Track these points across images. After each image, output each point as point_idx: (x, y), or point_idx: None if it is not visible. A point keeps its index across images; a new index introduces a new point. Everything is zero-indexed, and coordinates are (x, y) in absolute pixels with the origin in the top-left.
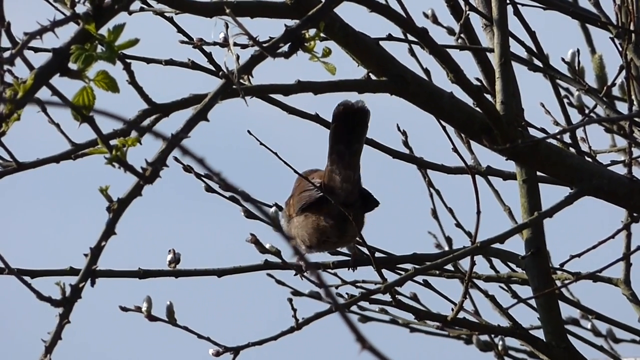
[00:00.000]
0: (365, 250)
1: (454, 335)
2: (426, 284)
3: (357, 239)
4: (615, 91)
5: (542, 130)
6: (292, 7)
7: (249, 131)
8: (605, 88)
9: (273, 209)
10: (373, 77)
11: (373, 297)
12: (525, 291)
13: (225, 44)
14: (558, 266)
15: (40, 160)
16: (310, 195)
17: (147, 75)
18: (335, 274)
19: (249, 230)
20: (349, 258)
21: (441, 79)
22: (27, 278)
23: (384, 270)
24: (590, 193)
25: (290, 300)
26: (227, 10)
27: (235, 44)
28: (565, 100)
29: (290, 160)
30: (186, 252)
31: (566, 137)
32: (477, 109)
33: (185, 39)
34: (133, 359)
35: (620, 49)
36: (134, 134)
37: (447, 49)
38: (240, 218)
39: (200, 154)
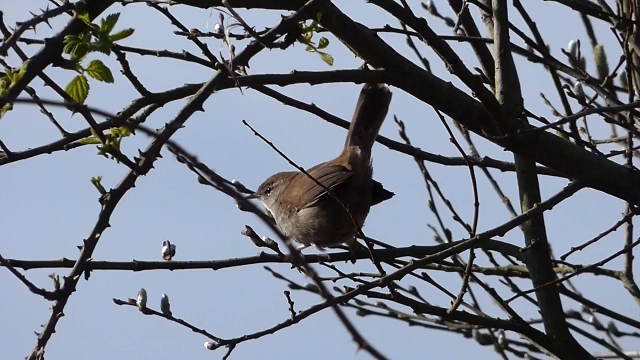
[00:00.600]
0: (363, 243)
1: (453, 329)
2: (425, 277)
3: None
4: (617, 82)
5: (542, 120)
6: None
7: (244, 121)
8: (606, 79)
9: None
10: (371, 67)
11: (372, 290)
12: (525, 284)
13: (220, 35)
14: (559, 259)
15: (32, 150)
16: (340, 175)
17: (142, 67)
18: (333, 267)
19: (245, 223)
20: (347, 251)
21: (440, 69)
22: (20, 270)
23: (382, 263)
24: (591, 184)
25: (287, 293)
26: (223, 1)
27: (230, 35)
28: (566, 91)
29: (286, 152)
30: (181, 245)
31: (566, 127)
32: (476, 99)
33: (180, 30)
34: (128, 352)
35: (622, 40)
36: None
37: (446, 40)
38: (235, 210)
39: (195, 145)
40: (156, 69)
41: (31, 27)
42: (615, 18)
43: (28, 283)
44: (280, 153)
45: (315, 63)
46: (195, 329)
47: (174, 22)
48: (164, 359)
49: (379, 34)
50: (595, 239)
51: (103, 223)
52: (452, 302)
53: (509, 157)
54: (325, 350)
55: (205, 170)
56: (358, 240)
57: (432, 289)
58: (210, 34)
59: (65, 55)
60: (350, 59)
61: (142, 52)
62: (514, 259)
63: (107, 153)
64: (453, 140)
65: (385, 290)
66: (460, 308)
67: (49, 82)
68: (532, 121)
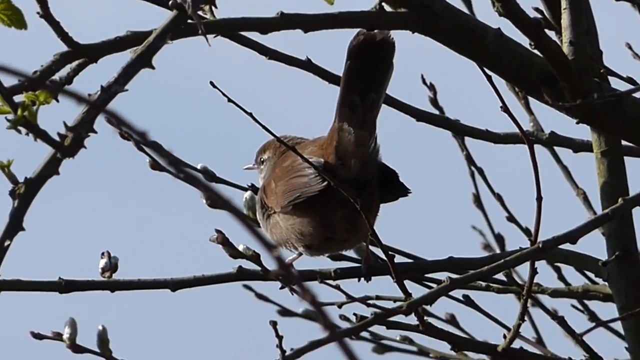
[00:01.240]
0: (380, 253)
1: None
2: (468, 301)
3: (369, 236)
4: None
5: (629, 80)
6: None
7: (212, 83)
8: None
9: (247, 194)
10: (387, 7)
11: (392, 319)
12: (607, 310)
13: None
14: None
15: None
16: (307, 184)
17: (68, 8)
18: (338, 287)
19: (215, 225)
20: (359, 264)
21: (485, 10)
22: None
23: (407, 282)
24: None
25: (273, 323)
26: None
27: None
28: None
29: (273, 124)
30: (126, 257)
31: None
32: (536, 51)
33: None
34: None
35: None
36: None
37: None
38: (202, 207)
39: (144, 116)
40: (88, 12)
41: None
42: None
43: None
44: (264, 127)
45: (311, 2)
46: None
47: None
48: None
49: None
50: None
51: (15, 225)
52: (505, 336)
53: (584, 132)
54: None
55: (160, 151)
56: (372, 249)
57: (477, 317)
58: None
59: None
60: None
61: None
62: (591, 275)
63: (19, 127)
64: (505, 109)
65: (412, 320)
66: (517, 343)
67: None
68: (614, 82)
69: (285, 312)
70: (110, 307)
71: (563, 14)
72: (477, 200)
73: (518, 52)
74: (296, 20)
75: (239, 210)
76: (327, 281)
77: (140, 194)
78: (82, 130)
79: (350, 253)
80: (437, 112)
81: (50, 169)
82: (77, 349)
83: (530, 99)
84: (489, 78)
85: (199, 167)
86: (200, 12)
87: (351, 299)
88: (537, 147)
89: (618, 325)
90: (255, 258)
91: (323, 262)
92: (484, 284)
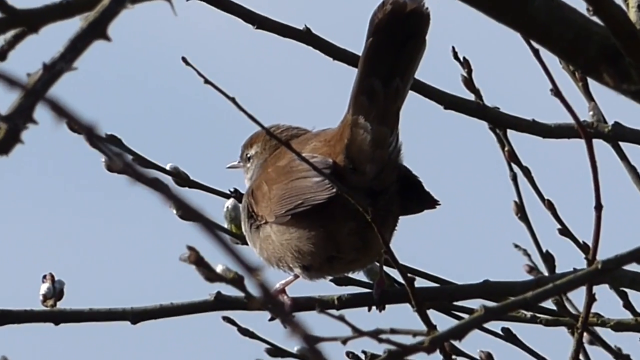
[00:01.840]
0: (397, 275)
1: None
2: (508, 336)
3: (384, 254)
4: None
5: None
6: None
7: (184, 59)
8: None
9: (230, 202)
10: None
11: (411, 358)
12: None
13: None
14: None
15: None
16: (312, 189)
17: None
18: (342, 319)
19: (187, 241)
20: (370, 290)
21: None
22: None
23: (430, 311)
24: None
25: None
26: None
27: None
28: None
29: (262, 112)
30: (74, 280)
31: None
32: (595, 18)
33: None
34: None
35: None
36: None
37: None
38: (172, 219)
39: (97, 103)
40: None
41: None
42: None
43: None
44: (249, 115)
45: None
46: None
47: None
48: None
49: None
50: None
51: None
52: None
53: None
54: None
55: (118, 147)
56: (387, 271)
57: (520, 355)
58: None
59: None
60: None
61: None
62: None
63: None
64: (557, 93)
65: (436, 358)
66: None
67: None
68: None
69: (276, 350)
70: (54, 343)
71: None
72: (521, 210)
73: (573, 20)
74: None
75: (210, 220)
76: (329, 311)
77: (93, 201)
78: (19, 120)
79: (360, 275)
80: (471, 96)
81: None
82: None
83: (591, 80)
84: (536, 53)
85: (167, 167)
86: None
87: (359, 332)
88: (597, 142)
89: None
90: (237, 282)
91: (325, 287)
92: (528, 314)
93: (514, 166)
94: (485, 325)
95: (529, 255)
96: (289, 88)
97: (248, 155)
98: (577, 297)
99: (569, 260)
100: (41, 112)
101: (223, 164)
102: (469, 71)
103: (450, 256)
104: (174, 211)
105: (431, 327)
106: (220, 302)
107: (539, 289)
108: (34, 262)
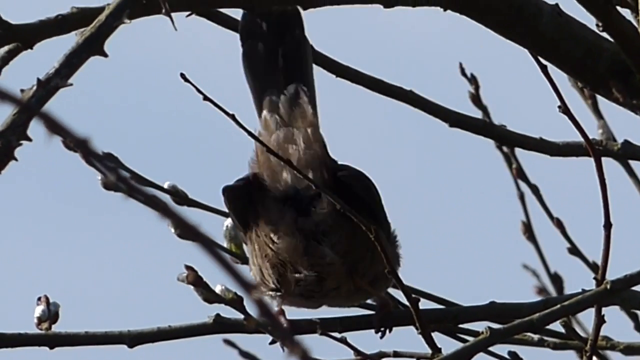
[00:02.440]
0: (401, 295)
1: None
2: (514, 359)
3: (388, 275)
4: None
5: None
6: None
7: (183, 76)
8: None
9: (229, 221)
10: None
11: None
12: None
13: None
14: None
15: None
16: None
17: None
18: (344, 341)
19: (186, 260)
20: (372, 311)
21: None
22: None
23: (435, 334)
24: None
25: None
26: None
27: None
28: None
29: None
30: (69, 302)
31: None
32: (605, 34)
33: None
34: None
35: None
36: None
37: None
38: (170, 238)
39: (94, 119)
40: None
41: None
42: None
43: None
44: (249, 133)
45: None
46: None
47: None
48: None
49: None
50: None
51: None
52: None
53: None
54: None
55: (114, 165)
56: (391, 292)
57: None
58: None
59: None
60: None
61: None
62: None
63: None
64: (565, 110)
65: None
66: None
67: None
68: None
69: None
70: None
71: None
72: (528, 229)
73: (582, 36)
74: None
75: (209, 239)
76: (332, 333)
77: (89, 219)
78: (12, 137)
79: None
80: (478, 113)
81: None
82: None
83: (600, 98)
84: (544, 69)
85: (165, 185)
86: None
87: (362, 355)
88: (607, 160)
89: None
90: (237, 303)
91: (327, 309)
92: (535, 336)
93: (522, 184)
94: (491, 349)
95: (537, 277)
96: None
97: None
98: (586, 319)
99: (578, 281)
100: (35, 128)
101: (222, 182)
102: (477, 87)
103: (456, 277)
104: (172, 230)
105: (436, 349)
106: (219, 325)
107: (546, 310)
108: (28, 284)
